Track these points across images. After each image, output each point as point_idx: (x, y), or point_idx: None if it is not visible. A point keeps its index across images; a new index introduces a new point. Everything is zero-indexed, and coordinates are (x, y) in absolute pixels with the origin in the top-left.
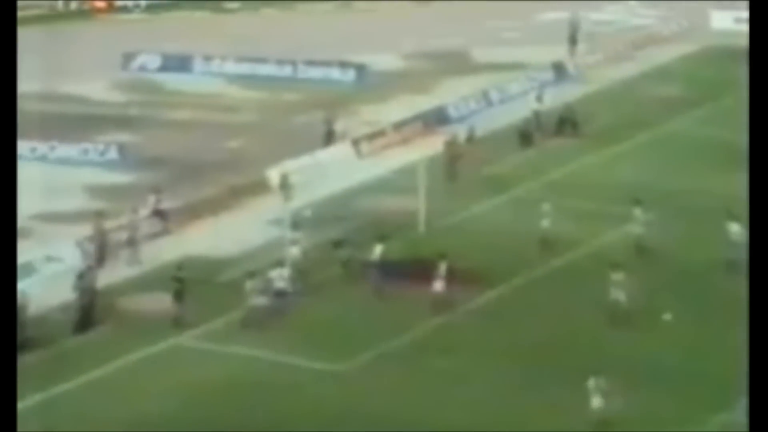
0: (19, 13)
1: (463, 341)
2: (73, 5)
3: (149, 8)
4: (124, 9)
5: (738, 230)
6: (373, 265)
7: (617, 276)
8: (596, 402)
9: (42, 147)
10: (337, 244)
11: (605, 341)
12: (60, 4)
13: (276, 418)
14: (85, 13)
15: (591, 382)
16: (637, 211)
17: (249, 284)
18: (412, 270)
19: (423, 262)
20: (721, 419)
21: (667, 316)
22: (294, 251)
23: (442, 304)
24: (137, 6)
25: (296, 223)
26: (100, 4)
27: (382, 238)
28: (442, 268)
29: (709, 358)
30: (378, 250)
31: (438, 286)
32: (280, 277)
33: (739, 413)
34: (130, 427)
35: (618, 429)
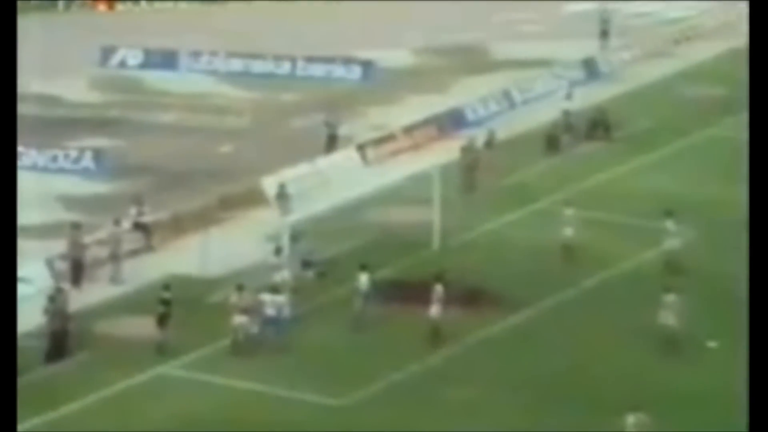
0: (69, 9)
1: (479, 372)
2: (74, 5)
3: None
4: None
5: None
6: (361, 295)
7: (669, 298)
8: None
9: None
10: (306, 264)
11: (645, 372)
12: (60, 4)
13: None
14: (57, 3)
15: (630, 419)
16: (670, 224)
17: (233, 298)
18: (405, 293)
19: (417, 285)
20: None
21: (712, 344)
22: (284, 275)
23: (433, 333)
24: (137, 5)
25: (294, 237)
26: (101, 4)
27: (363, 267)
28: (439, 290)
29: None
30: (364, 280)
31: (434, 311)
32: (272, 303)
33: None
34: None
35: None
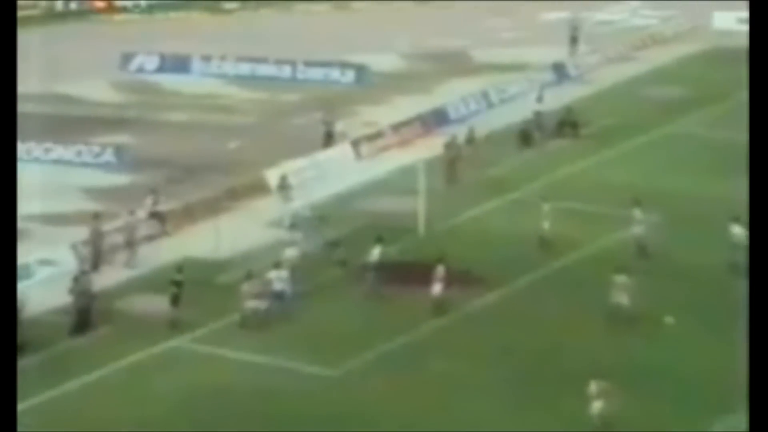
0: (69, 8)
1: (462, 344)
2: (74, 5)
3: (147, 9)
4: (124, 9)
5: (740, 233)
6: (371, 267)
7: (620, 279)
8: (597, 406)
9: (37, 149)
10: (333, 244)
11: (606, 345)
12: (60, 4)
13: (271, 423)
14: (83, 14)
15: (592, 386)
16: (637, 212)
17: (245, 286)
18: (410, 273)
19: (421, 265)
20: (723, 423)
21: (669, 320)
22: (292, 252)
23: (441, 307)
24: (137, 6)
25: (294, 224)
26: (100, 4)
27: (379, 240)
28: (440, 270)
29: (711, 362)
30: (376, 252)
31: (436, 289)
32: (278, 279)
33: (741, 417)
34: (126, 430)
35: None
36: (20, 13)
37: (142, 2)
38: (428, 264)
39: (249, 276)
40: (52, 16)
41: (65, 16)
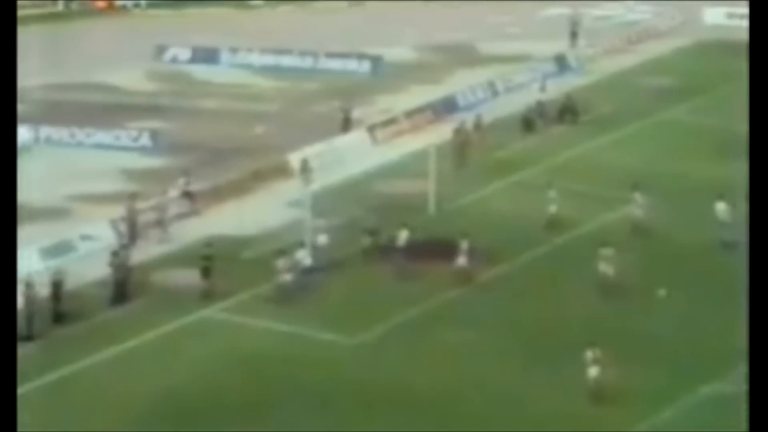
0: (57, 10)
1: (471, 315)
2: (74, 5)
3: (177, 5)
4: (124, 9)
5: (725, 209)
6: (398, 249)
7: (606, 252)
8: (593, 372)
9: (80, 133)
10: (372, 232)
11: (602, 315)
12: (60, 5)
13: (294, 387)
14: (120, 10)
15: (588, 354)
16: (637, 196)
17: (280, 262)
18: (434, 250)
19: (445, 242)
20: (712, 388)
21: (662, 292)
22: (321, 239)
23: (463, 278)
24: (137, 5)
25: (319, 211)
26: (101, 4)
27: (405, 225)
28: (465, 245)
29: (701, 331)
30: (403, 236)
31: (461, 261)
32: (306, 256)
33: (729, 383)
34: (161, 395)
35: (612, 397)
36: (61, 9)
37: (142, 2)
38: (452, 240)
39: (281, 252)
40: (90, 12)
41: (101, 12)
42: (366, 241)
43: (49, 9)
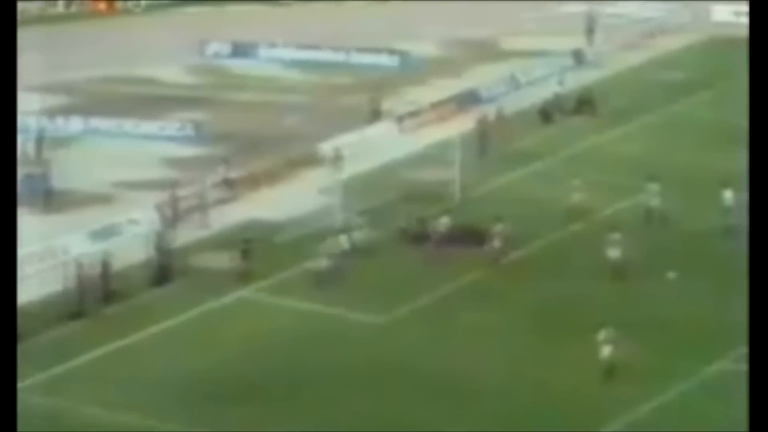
0: (69, 10)
1: (490, 298)
2: (74, 6)
3: (217, 3)
4: (126, 10)
5: (731, 197)
6: (435, 235)
7: (614, 236)
8: (606, 351)
9: (127, 124)
10: (421, 221)
11: (614, 297)
12: (61, 5)
13: (324, 365)
14: (161, 6)
15: (601, 334)
16: (653, 186)
17: (321, 247)
18: (465, 236)
19: (478, 228)
20: (717, 366)
21: (672, 275)
22: (360, 235)
23: (493, 260)
24: (137, 6)
25: (351, 198)
26: (102, 5)
27: (448, 211)
28: (499, 228)
29: (709, 313)
30: (444, 221)
31: (496, 244)
32: (345, 241)
33: (733, 362)
34: (201, 371)
35: (623, 375)
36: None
37: (142, 2)
38: (480, 226)
39: (323, 238)
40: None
41: (147, 6)
42: (404, 226)
43: (60, 9)
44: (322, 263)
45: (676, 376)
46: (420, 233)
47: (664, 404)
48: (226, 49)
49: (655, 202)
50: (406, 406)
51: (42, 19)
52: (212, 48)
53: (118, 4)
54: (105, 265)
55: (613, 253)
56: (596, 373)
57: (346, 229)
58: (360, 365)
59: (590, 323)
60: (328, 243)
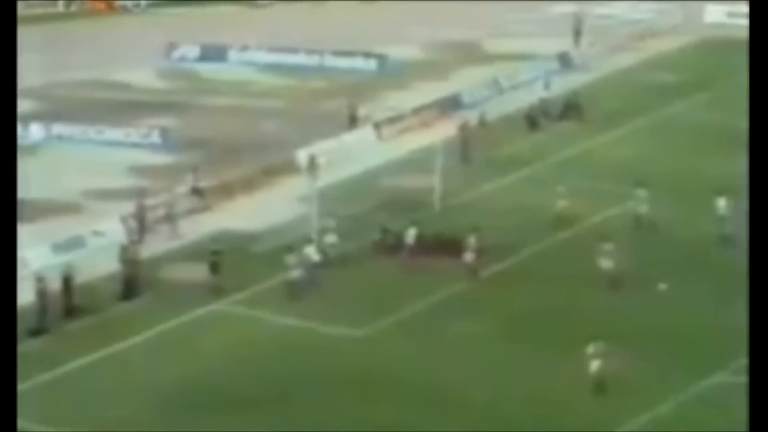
0: (70, 9)
1: (476, 309)
2: (74, 6)
3: (189, 4)
4: (124, 9)
5: (725, 205)
6: (406, 245)
7: (606, 246)
8: (595, 365)
9: (91, 131)
10: (385, 231)
11: (604, 308)
12: (61, 5)
13: (302, 380)
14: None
15: (591, 347)
16: (642, 192)
17: (290, 258)
18: (441, 246)
19: (452, 238)
20: (713, 380)
21: (663, 286)
22: (331, 239)
23: (469, 273)
24: (137, 5)
25: (329, 211)
26: (100, 5)
27: (415, 222)
28: (473, 240)
29: (701, 323)
30: (412, 233)
31: (468, 257)
32: (314, 252)
33: (730, 374)
34: (171, 388)
35: (615, 389)
36: (70, 9)
37: (142, 2)
38: (457, 236)
39: (290, 249)
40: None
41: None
42: (377, 237)
43: (58, 9)
44: (294, 273)
45: (669, 390)
46: (394, 243)
47: (659, 418)
48: (194, 52)
49: (643, 208)
50: (389, 421)
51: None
52: (179, 51)
53: (117, 4)
54: (67, 279)
55: (606, 263)
56: (586, 386)
57: (320, 239)
58: (341, 379)
59: (580, 335)
60: (297, 253)
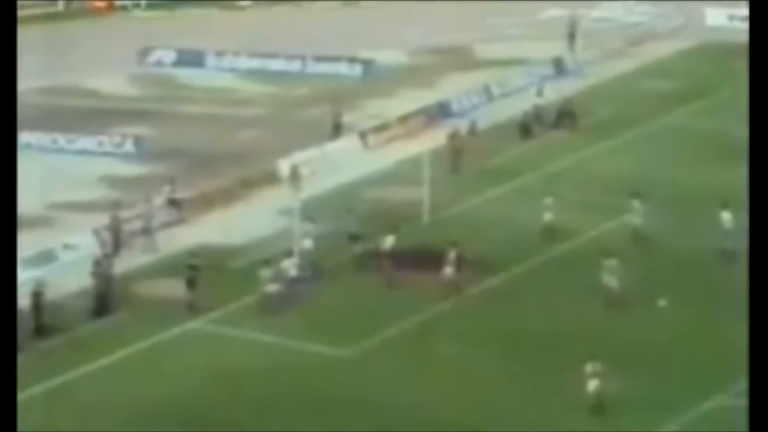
0: (40, 11)
1: (466, 327)
2: (75, 5)
3: (165, 6)
4: (123, 9)
5: (729, 219)
6: (385, 255)
7: (610, 263)
8: (593, 385)
9: (62, 139)
10: (353, 237)
11: (602, 327)
12: (61, 5)
13: (283, 402)
14: (103, 11)
15: (588, 367)
16: (636, 203)
17: (264, 272)
18: (422, 259)
19: (433, 251)
20: (713, 401)
21: (662, 303)
22: (307, 243)
23: (451, 288)
24: (137, 5)
25: (308, 216)
26: (100, 4)
27: (393, 230)
28: (452, 254)
29: (702, 343)
30: (389, 241)
31: (448, 272)
32: (292, 266)
33: (730, 396)
34: (146, 409)
35: (613, 411)
36: (42, 11)
37: (141, 2)
38: (440, 249)
39: (266, 263)
40: (71, 14)
41: (84, 13)
42: (352, 248)
43: (44, 9)
44: (271, 288)
45: (669, 411)
46: (372, 252)
47: None
48: (169, 56)
49: (637, 220)
50: None
51: None
52: (155, 56)
53: (117, 4)
54: (37, 295)
55: (610, 280)
56: (582, 408)
57: (300, 252)
58: (319, 401)
59: (574, 355)
60: (274, 266)
